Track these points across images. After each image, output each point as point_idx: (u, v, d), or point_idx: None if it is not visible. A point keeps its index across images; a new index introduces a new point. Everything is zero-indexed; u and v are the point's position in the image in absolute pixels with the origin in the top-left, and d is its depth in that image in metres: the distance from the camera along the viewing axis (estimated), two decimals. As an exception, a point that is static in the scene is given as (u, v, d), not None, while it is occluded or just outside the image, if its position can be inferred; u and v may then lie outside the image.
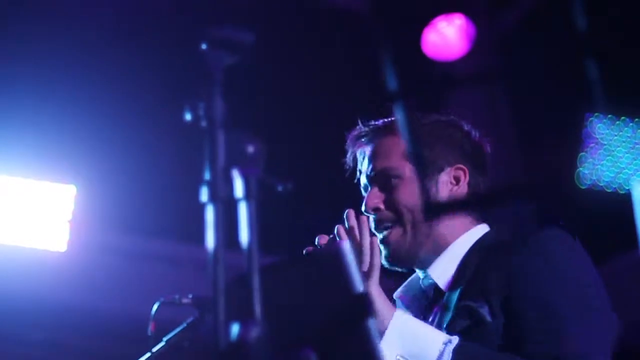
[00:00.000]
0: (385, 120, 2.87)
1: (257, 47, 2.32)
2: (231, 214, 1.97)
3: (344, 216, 2.63)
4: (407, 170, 2.75)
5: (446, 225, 2.74)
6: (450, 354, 2.41)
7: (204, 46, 1.89)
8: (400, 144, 2.75)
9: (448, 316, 2.61)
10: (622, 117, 2.49)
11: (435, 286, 2.73)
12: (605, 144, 2.43)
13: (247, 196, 1.80)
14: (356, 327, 1.78)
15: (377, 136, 2.84)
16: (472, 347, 2.46)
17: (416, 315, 2.71)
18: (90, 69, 6.09)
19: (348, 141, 2.89)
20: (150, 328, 3.32)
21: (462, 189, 2.77)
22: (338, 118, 6.48)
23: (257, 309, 1.71)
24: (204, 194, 1.81)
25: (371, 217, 2.75)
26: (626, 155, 2.46)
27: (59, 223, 6.16)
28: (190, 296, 3.38)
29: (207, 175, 1.81)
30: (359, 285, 1.80)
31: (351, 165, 2.90)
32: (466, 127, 2.90)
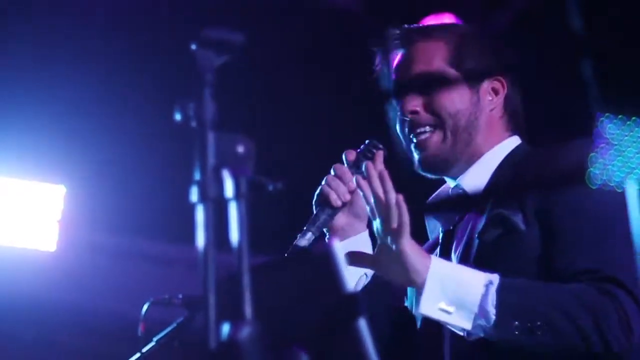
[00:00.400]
0: (423, 24, 2.82)
1: (249, 46, 2.33)
2: (220, 214, 1.98)
3: (362, 167, 2.46)
4: (449, 77, 2.67)
5: (483, 134, 2.68)
6: (494, 296, 2.32)
7: (193, 46, 1.89)
8: (441, 48, 2.69)
9: (480, 224, 2.53)
10: (633, 118, 2.49)
11: (466, 195, 2.65)
12: (616, 144, 2.42)
13: (237, 196, 1.81)
14: (347, 327, 1.78)
15: (416, 39, 2.73)
16: (515, 285, 2.35)
17: (446, 228, 2.65)
18: (80, 69, 6.07)
19: (378, 45, 2.76)
20: (140, 328, 3.32)
21: (499, 101, 2.72)
22: (330, 117, 6.53)
23: (248, 308, 1.71)
24: (194, 194, 1.81)
25: (407, 121, 2.67)
26: (637, 155, 2.46)
27: (49, 223, 6.16)
28: (180, 296, 3.38)
29: (197, 175, 1.82)
30: (349, 285, 1.80)
31: (380, 69, 2.78)
32: (504, 42, 2.84)
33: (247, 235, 1.79)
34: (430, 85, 2.68)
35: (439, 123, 2.66)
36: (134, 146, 6.34)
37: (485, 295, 2.32)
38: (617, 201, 2.42)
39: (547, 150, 2.61)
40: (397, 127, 2.73)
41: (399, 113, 2.70)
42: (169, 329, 3.34)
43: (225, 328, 1.70)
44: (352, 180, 2.57)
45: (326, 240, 2.69)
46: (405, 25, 2.77)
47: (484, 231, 2.50)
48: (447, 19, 7.34)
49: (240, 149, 1.82)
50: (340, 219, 2.68)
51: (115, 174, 6.29)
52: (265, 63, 5.60)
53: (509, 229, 2.46)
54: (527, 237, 2.45)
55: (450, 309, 2.34)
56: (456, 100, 2.66)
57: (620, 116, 2.47)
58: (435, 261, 2.38)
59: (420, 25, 2.80)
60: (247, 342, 1.63)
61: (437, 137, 2.66)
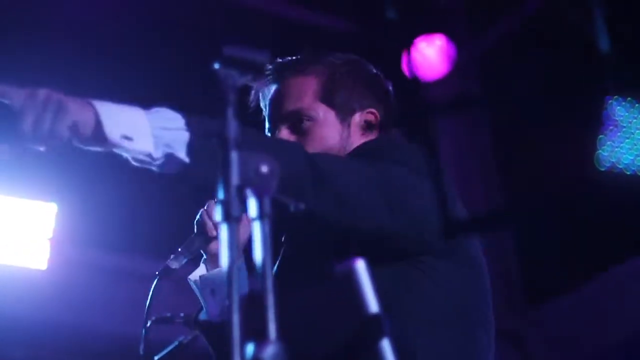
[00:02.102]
0: (295, 57, 2.73)
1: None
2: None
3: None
4: (321, 111, 2.62)
5: None
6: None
7: (216, 65, 1.89)
8: (312, 83, 2.65)
9: None
10: None
11: None
12: (624, 127, 2.41)
13: (261, 216, 1.81)
14: (370, 348, 1.78)
15: (287, 74, 2.69)
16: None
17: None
18: (73, 87, 6.07)
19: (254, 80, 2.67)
20: (142, 347, 3.29)
21: (374, 135, 2.67)
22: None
23: (272, 328, 1.71)
24: (218, 213, 1.81)
25: None
26: None
27: (40, 241, 6.13)
28: (182, 315, 3.36)
29: (220, 195, 1.81)
30: (373, 306, 1.80)
31: (254, 105, 2.74)
32: (375, 70, 2.76)
33: (270, 254, 1.80)
34: (302, 121, 2.63)
35: None
36: (125, 164, 6.32)
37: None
38: None
39: None
40: None
41: None
42: (170, 347, 3.32)
43: (250, 348, 1.70)
44: None
45: (202, 263, 2.76)
46: (279, 59, 2.70)
47: None
48: (438, 40, 7.36)
49: (264, 168, 1.83)
50: (215, 245, 2.70)
51: (107, 192, 6.27)
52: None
53: None
54: None
55: (131, 135, 2.15)
56: (326, 136, 2.61)
57: (629, 99, 2.47)
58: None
59: (292, 58, 2.72)
60: (271, 362, 1.63)
61: None
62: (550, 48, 6.70)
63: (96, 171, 6.18)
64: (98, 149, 2.19)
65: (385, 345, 1.78)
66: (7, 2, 5.97)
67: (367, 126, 2.67)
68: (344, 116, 2.64)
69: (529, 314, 7.21)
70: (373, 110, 2.68)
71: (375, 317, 1.79)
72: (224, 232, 1.80)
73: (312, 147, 2.54)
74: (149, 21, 6.30)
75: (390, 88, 2.78)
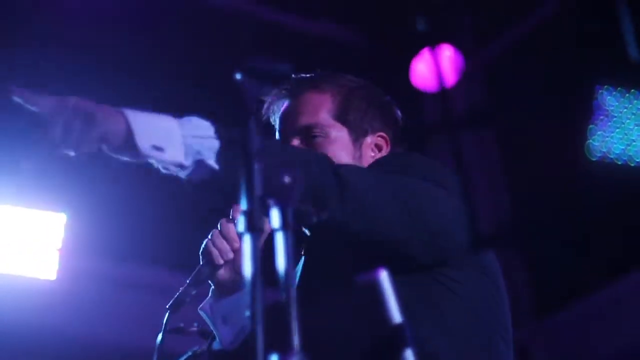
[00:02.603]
0: (311, 75, 2.74)
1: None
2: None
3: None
4: (334, 130, 2.64)
5: None
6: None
7: (238, 76, 1.90)
8: (327, 100, 2.67)
9: None
10: (632, 90, 2.48)
11: None
12: (615, 117, 2.41)
13: (284, 226, 1.81)
14: (394, 357, 1.79)
15: (303, 90, 2.70)
16: None
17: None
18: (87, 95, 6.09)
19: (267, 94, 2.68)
20: (155, 357, 3.29)
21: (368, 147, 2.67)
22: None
23: (296, 339, 1.72)
24: (241, 224, 1.81)
25: None
26: (636, 127, 2.45)
27: (49, 251, 6.13)
28: (195, 324, 3.36)
29: (243, 205, 1.82)
30: (396, 316, 1.80)
31: (265, 119, 2.74)
32: (387, 96, 2.78)
33: (293, 265, 1.80)
34: (315, 137, 2.64)
35: None
36: (134, 173, 6.33)
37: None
38: None
39: None
40: None
41: None
42: (183, 358, 3.32)
43: (274, 359, 1.71)
44: (237, 240, 2.60)
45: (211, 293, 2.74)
46: (294, 75, 2.69)
47: None
48: (447, 50, 7.37)
49: (287, 179, 1.83)
50: (224, 274, 2.68)
51: (116, 203, 6.28)
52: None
53: None
54: None
55: (162, 146, 2.14)
56: (338, 154, 2.60)
57: (619, 88, 2.47)
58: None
59: (308, 75, 2.74)
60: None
61: None
62: (556, 56, 6.72)
63: (105, 182, 6.20)
64: (128, 158, 2.19)
65: (409, 355, 1.78)
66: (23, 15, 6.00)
67: (378, 149, 2.69)
68: (357, 137, 2.66)
69: (536, 325, 7.21)
70: (384, 134, 2.70)
71: (398, 327, 1.79)
72: (246, 242, 1.80)
73: None
74: (157, 29, 6.31)
75: (399, 114, 2.80)
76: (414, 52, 7.23)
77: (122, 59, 6.24)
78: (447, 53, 7.24)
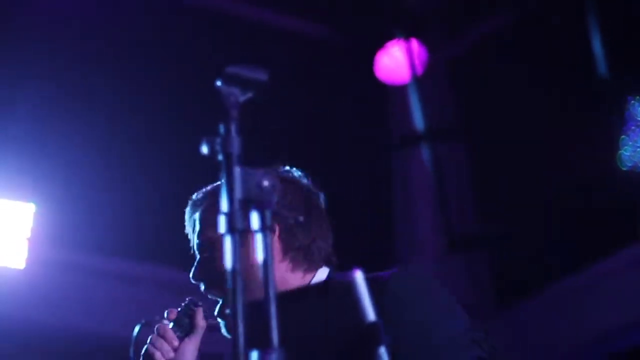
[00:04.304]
0: (209, 187, 2.80)
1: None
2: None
3: (184, 325, 2.75)
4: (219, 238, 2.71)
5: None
6: None
7: (219, 83, 1.97)
8: (211, 213, 2.68)
9: None
10: None
11: None
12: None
13: (263, 228, 1.90)
14: (368, 355, 1.87)
15: (197, 206, 2.78)
16: None
17: None
18: (52, 89, 6.15)
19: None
20: (132, 350, 3.35)
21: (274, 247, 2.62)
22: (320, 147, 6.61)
23: (275, 336, 1.80)
24: (222, 225, 1.89)
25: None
26: None
27: (18, 240, 6.16)
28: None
29: (224, 208, 1.90)
30: (371, 315, 1.88)
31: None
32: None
33: (272, 265, 1.88)
34: (205, 252, 2.72)
35: (221, 291, 2.71)
36: (103, 164, 6.39)
37: None
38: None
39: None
40: None
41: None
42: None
43: (254, 356, 1.79)
44: (175, 339, 2.74)
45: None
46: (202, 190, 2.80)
47: None
48: (410, 44, 7.41)
49: (266, 182, 1.91)
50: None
51: (84, 192, 6.33)
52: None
53: None
54: None
55: None
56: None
57: None
58: None
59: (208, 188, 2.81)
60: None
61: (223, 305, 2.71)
62: (528, 54, 6.81)
63: (74, 172, 6.25)
64: None
65: (383, 353, 1.87)
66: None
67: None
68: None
69: (499, 316, 7.30)
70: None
71: (373, 325, 1.87)
72: (227, 243, 1.88)
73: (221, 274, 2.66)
74: (143, 33, 6.37)
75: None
76: (380, 45, 7.30)
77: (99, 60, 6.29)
78: (412, 47, 7.32)
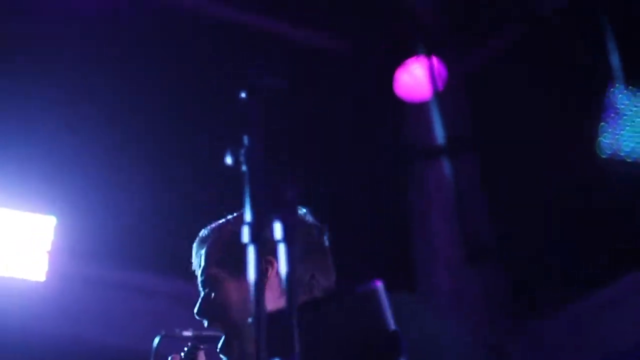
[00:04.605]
0: (215, 224, 2.82)
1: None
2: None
3: None
4: (221, 275, 2.71)
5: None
6: None
7: (242, 93, 1.99)
8: (211, 252, 2.74)
9: None
10: None
11: None
12: (626, 115, 2.46)
13: (286, 238, 1.91)
14: (389, 363, 1.88)
15: (203, 242, 2.80)
16: None
17: None
18: (73, 104, 6.19)
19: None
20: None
21: (272, 281, 2.64)
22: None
23: (297, 345, 1.81)
24: (245, 235, 1.91)
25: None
26: None
27: (39, 253, 6.20)
28: (190, 330, 3.44)
29: (248, 218, 1.92)
30: (391, 324, 1.90)
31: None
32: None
33: (295, 274, 1.90)
34: (209, 288, 2.73)
35: (223, 328, 2.72)
36: (124, 178, 6.42)
37: None
38: None
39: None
40: None
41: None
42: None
43: (276, 364, 1.81)
44: None
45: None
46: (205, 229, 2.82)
47: None
48: (428, 60, 7.41)
49: (289, 194, 1.93)
50: None
51: (105, 206, 6.36)
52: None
53: None
54: None
55: None
56: (228, 297, 2.70)
57: (630, 87, 2.53)
58: None
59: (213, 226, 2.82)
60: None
61: (225, 341, 2.71)
62: (538, 69, 6.82)
63: (95, 185, 6.28)
64: None
65: (402, 361, 1.88)
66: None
67: (266, 272, 2.69)
68: (237, 275, 2.71)
69: (515, 329, 7.28)
70: (268, 257, 2.65)
71: (394, 334, 1.89)
72: (251, 253, 1.90)
73: (222, 310, 2.72)
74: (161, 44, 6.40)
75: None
76: (398, 62, 7.32)
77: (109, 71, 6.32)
78: (431, 63, 7.33)
